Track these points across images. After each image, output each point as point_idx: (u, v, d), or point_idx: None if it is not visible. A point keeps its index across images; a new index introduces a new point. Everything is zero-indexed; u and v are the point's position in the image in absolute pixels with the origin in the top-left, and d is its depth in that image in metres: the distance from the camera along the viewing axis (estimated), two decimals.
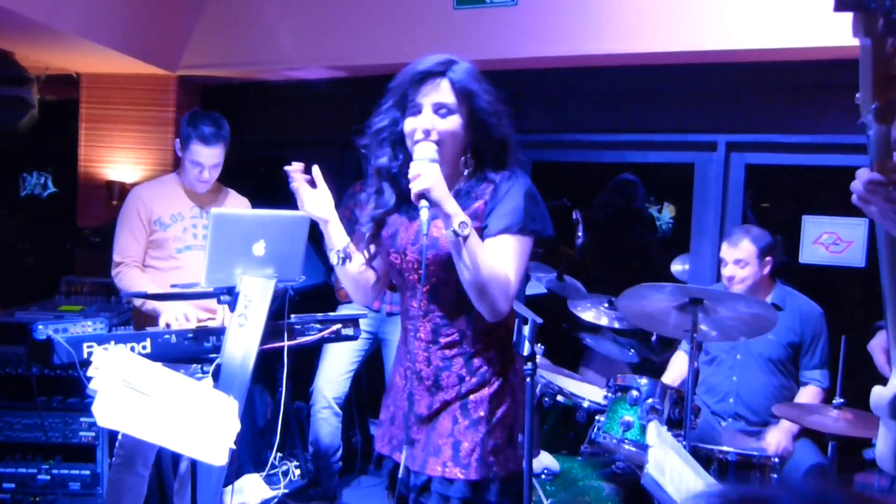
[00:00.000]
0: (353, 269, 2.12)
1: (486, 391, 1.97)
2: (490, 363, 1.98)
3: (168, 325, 2.92)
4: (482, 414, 1.95)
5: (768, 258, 3.38)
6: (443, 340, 1.99)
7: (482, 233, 1.91)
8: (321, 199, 2.08)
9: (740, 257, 3.34)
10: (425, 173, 1.80)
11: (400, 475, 2.02)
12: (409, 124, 1.91)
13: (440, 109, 1.89)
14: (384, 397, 2.21)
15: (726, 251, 3.40)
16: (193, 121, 3.30)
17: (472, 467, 1.92)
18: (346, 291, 4.02)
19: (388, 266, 2.10)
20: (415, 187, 1.81)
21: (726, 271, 3.39)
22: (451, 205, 1.80)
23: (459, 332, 1.98)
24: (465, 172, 1.97)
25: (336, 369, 3.95)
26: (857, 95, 1.23)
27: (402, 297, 2.11)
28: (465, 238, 1.77)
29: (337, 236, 2.09)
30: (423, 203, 1.78)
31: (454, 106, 1.89)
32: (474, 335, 1.97)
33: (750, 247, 3.33)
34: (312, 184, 2.09)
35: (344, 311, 4.02)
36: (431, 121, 1.89)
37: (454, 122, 1.90)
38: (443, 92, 1.89)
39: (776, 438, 3.19)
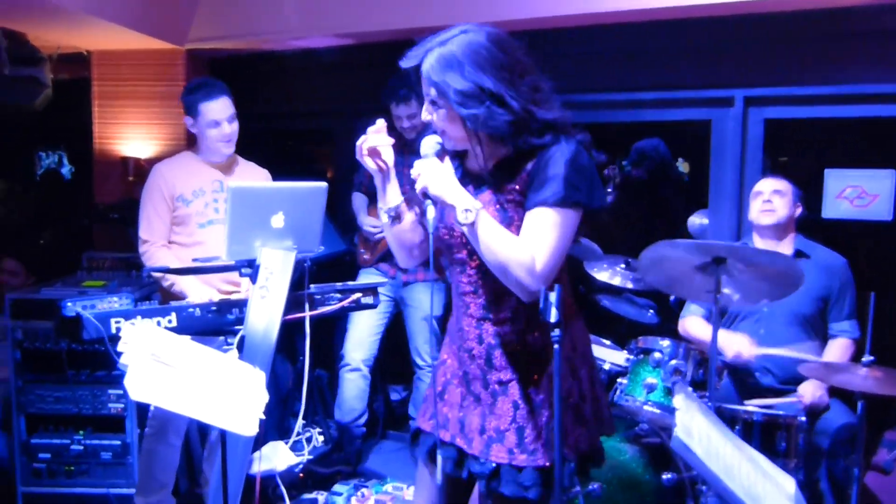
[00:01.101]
0: (402, 229, 2.05)
1: (542, 370, 1.92)
2: (545, 341, 1.89)
3: None
4: (543, 396, 1.91)
5: (799, 205, 3.46)
6: (494, 316, 1.94)
7: (522, 206, 1.85)
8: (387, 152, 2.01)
9: (780, 188, 3.42)
10: (423, 171, 1.83)
11: (440, 451, 1.96)
12: None
13: (431, 103, 1.87)
14: (433, 371, 2.16)
15: (765, 183, 3.46)
16: (190, 89, 3.34)
17: (539, 452, 1.88)
18: (370, 257, 4.10)
19: (437, 241, 2.02)
20: (417, 186, 1.84)
21: (762, 198, 3.43)
22: (452, 196, 1.79)
23: (511, 308, 1.92)
24: (503, 147, 1.88)
25: (364, 331, 4.07)
26: None
27: (451, 273, 2.05)
28: (473, 225, 1.77)
29: (392, 193, 2.02)
30: (428, 201, 1.82)
31: (438, 99, 1.84)
32: (527, 312, 1.91)
33: (788, 184, 3.44)
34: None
35: (364, 277, 4.08)
36: (428, 114, 1.89)
37: (443, 114, 1.86)
38: (426, 86, 1.85)
39: (811, 389, 3.17)
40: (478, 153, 1.89)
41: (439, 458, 1.92)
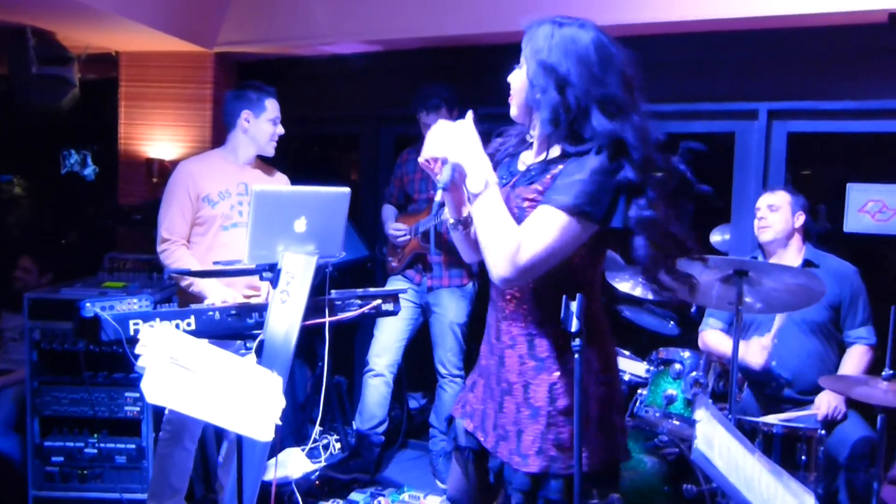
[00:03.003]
0: (466, 234, 2.04)
1: (545, 379, 1.88)
2: (553, 350, 1.87)
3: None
4: (542, 404, 1.87)
5: (801, 214, 3.42)
6: (511, 316, 1.93)
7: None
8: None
9: (774, 203, 3.41)
10: (446, 134, 1.82)
11: (463, 442, 2.09)
12: None
13: (519, 62, 1.90)
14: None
15: (762, 200, 3.48)
16: (256, 86, 3.40)
17: (530, 459, 1.86)
18: (397, 264, 4.11)
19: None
20: (438, 150, 1.83)
21: (759, 215, 3.45)
22: (470, 162, 1.79)
23: (525, 311, 1.90)
24: (554, 142, 1.86)
25: (390, 337, 4.09)
26: None
27: None
28: (478, 196, 1.76)
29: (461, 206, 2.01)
30: (446, 166, 1.81)
31: (527, 58, 1.85)
32: (541, 317, 1.88)
33: (785, 196, 3.43)
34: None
35: (391, 284, 4.10)
36: (512, 75, 1.91)
37: (520, 75, 1.88)
38: (525, 43, 1.88)
39: (827, 400, 3.15)
40: (532, 134, 1.92)
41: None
